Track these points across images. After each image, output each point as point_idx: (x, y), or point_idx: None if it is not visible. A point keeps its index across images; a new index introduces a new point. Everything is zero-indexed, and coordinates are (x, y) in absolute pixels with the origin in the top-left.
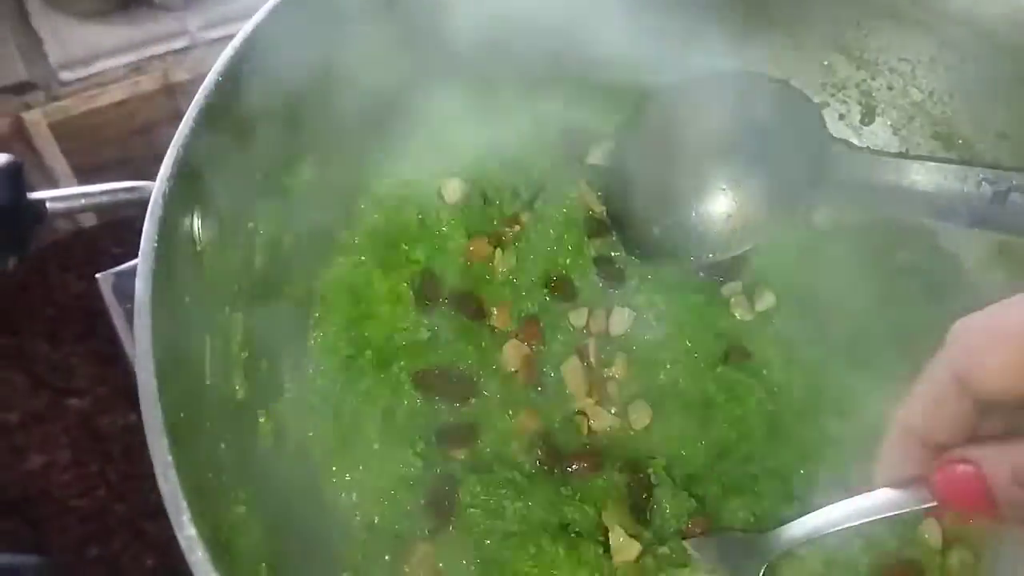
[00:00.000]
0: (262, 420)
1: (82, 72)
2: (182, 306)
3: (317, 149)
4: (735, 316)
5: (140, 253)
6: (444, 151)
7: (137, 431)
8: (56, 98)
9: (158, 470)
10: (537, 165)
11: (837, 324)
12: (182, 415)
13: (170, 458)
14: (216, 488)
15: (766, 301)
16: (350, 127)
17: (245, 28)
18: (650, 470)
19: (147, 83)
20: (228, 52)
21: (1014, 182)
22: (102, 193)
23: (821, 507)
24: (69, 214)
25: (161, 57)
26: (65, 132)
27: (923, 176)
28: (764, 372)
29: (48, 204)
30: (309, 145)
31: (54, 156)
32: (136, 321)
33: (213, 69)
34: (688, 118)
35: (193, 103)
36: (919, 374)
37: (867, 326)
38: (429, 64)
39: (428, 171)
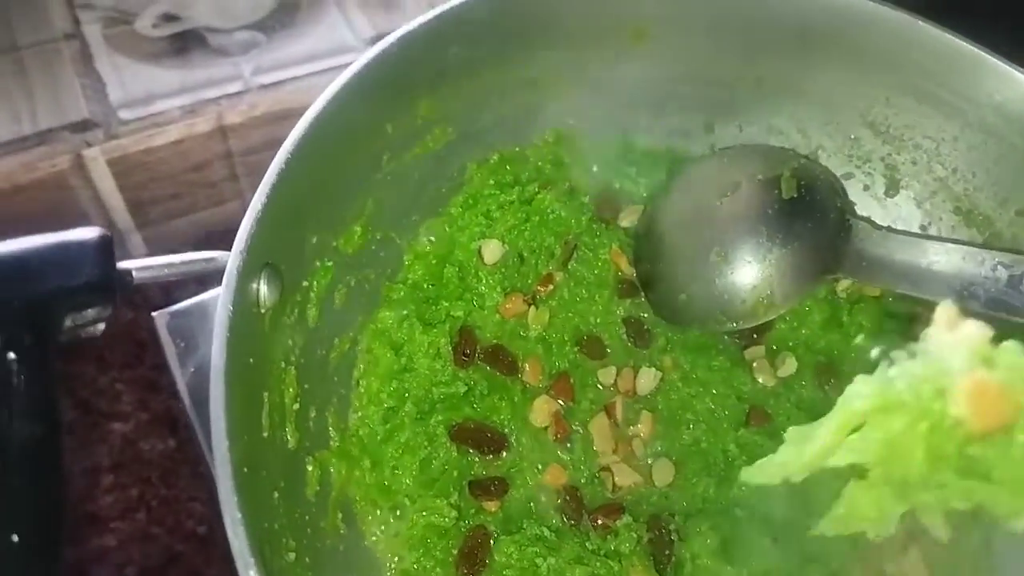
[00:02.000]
0: (310, 468)
1: (141, 112)
2: (247, 368)
3: (367, 214)
4: (757, 380)
5: (216, 322)
6: (484, 214)
7: (175, 457)
8: (115, 136)
9: (228, 526)
10: (572, 227)
11: None
12: (245, 470)
13: (239, 515)
14: (271, 536)
15: (788, 367)
16: (398, 192)
17: (309, 111)
18: (672, 526)
19: (201, 124)
20: (297, 132)
21: None
22: (183, 263)
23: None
24: (153, 283)
25: (216, 100)
26: (122, 169)
27: (942, 257)
28: (784, 435)
29: (135, 273)
30: (360, 211)
31: (110, 191)
32: (212, 390)
33: (283, 148)
34: (716, 189)
35: (264, 181)
36: None
37: None
38: (471, 131)
39: (468, 233)
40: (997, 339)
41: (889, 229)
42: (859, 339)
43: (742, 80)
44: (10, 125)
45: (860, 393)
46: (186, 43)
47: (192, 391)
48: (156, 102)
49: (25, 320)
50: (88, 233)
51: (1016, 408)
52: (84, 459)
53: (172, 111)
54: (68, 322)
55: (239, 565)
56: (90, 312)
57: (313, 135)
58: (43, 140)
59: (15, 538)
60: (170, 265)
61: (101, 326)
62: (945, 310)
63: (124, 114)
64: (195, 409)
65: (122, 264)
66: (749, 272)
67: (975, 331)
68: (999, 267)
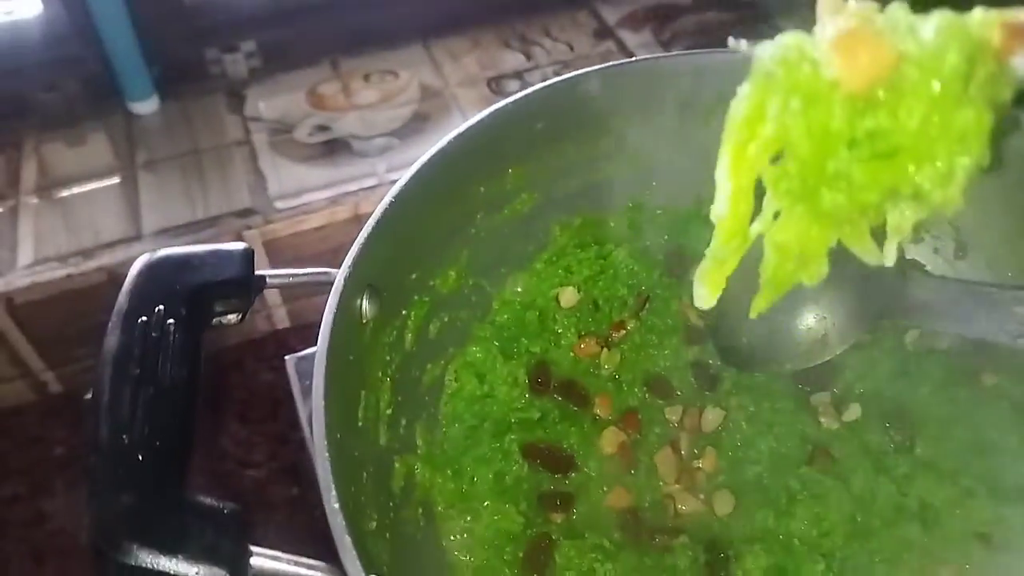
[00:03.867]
0: (397, 465)
1: (292, 203)
2: (347, 362)
3: (461, 262)
4: (821, 424)
5: (324, 317)
6: (564, 268)
7: (296, 502)
8: (270, 222)
9: (317, 461)
10: (645, 281)
11: (924, 439)
12: (339, 435)
13: (328, 454)
14: (356, 502)
15: (852, 413)
16: (489, 246)
17: (413, 167)
18: (730, 551)
19: (341, 213)
20: (400, 182)
21: None
22: (304, 274)
23: None
24: (281, 287)
25: (354, 193)
26: (273, 248)
27: (991, 299)
28: (847, 476)
29: (268, 279)
30: (455, 259)
31: (262, 265)
32: (316, 363)
33: (388, 193)
34: None
35: (372, 217)
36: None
37: (954, 443)
38: (556, 197)
39: (549, 282)
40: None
41: (943, 278)
42: (926, 390)
43: None
44: (188, 211)
45: (737, 96)
46: (333, 148)
47: (310, 422)
48: (305, 195)
49: (183, 300)
50: (236, 245)
51: (892, 53)
52: (219, 497)
53: (318, 202)
54: (218, 307)
55: (322, 487)
56: (233, 302)
57: (414, 187)
58: (212, 224)
59: (158, 443)
60: (294, 275)
61: (241, 316)
62: None
63: (279, 204)
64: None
65: (259, 271)
66: (804, 316)
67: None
68: None
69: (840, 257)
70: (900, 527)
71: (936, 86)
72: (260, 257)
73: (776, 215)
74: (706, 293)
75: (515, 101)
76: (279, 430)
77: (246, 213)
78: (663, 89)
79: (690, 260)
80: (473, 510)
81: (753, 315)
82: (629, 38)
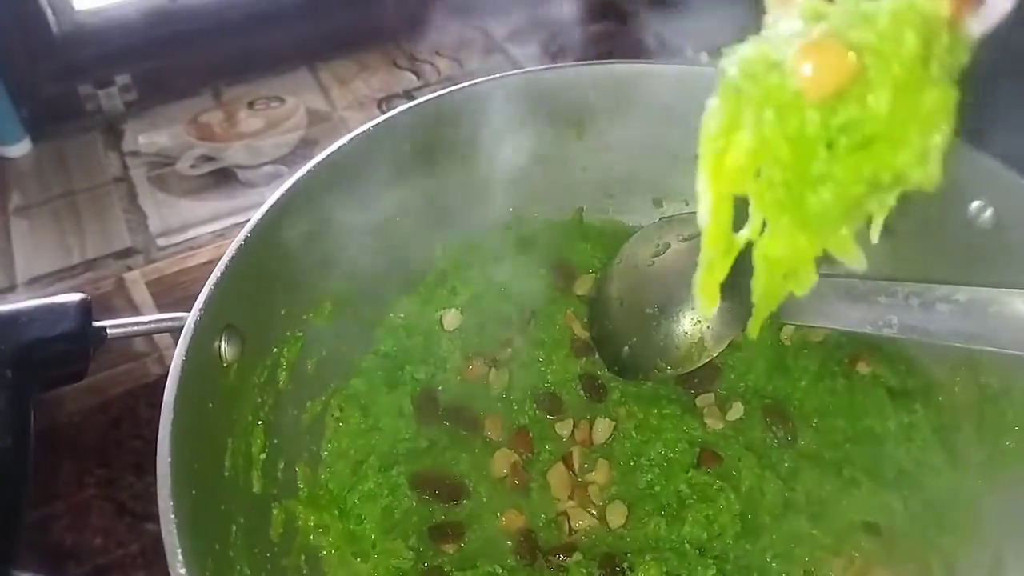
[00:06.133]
0: (275, 512)
1: (176, 239)
2: (204, 408)
3: (337, 292)
4: (707, 425)
5: (172, 364)
6: (449, 289)
7: None
8: (153, 261)
9: (163, 527)
10: (529, 296)
11: (805, 432)
12: (194, 492)
13: (173, 518)
14: (220, 556)
15: (736, 412)
16: (369, 273)
17: (271, 197)
18: (624, 564)
19: (228, 246)
20: (257, 216)
21: (938, 294)
22: (150, 322)
23: None
24: (125, 338)
25: (242, 224)
26: (159, 288)
27: (859, 292)
28: (735, 475)
29: (108, 330)
30: (330, 289)
31: (148, 308)
32: (162, 412)
33: (244, 228)
34: (650, 252)
35: (223, 257)
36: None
37: (835, 434)
38: (437, 218)
39: (434, 305)
40: None
41: None
42: (804, 383)
43: (680, 158)
44: (62, 257)
45: (708, 110)
46: (219, 179)
47: None
48: (190, 230)
49: (8, 362)
50: (72, 297)
51: (854, 64)
52: (119, 555)
53: (203, 236)
54: (53, 367)
55: (168, 556)
56: (70, 360)
57: (271, 222)
58: (90, 267)
59: None
60: (139, 323)
61: (80, 372)
62: None
63: (162, 241)
64: None
65: (98, 322)
66: (680, 322)
67: None
68: (911, 296)
69: None
70: (789, 522)
71: (898, 71)
72: (145, 298)
73: (763, 226)
74: (704, 301)
75: (376, 125)
76: None
77: (126, 253)
78: (532, 104)
79: (573, 272)
80: (361, 550)
81: (753, 335)
82: (517, 52)
